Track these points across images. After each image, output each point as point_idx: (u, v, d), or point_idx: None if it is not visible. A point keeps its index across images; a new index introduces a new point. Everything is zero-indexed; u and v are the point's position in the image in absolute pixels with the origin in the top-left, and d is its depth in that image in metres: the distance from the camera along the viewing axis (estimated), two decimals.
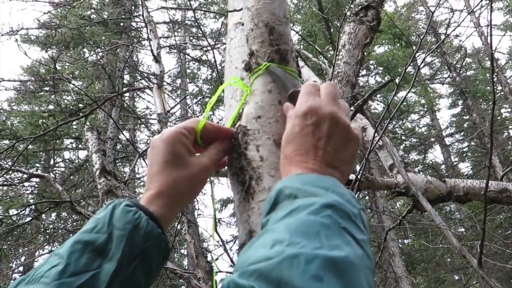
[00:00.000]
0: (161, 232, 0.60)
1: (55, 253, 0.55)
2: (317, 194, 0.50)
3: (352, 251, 0.42)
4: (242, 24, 0.87)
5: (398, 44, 10.06)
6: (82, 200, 6.74)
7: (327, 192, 0.50)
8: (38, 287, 0.51)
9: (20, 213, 6.65)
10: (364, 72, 11.44)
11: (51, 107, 8.56)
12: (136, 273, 0.56)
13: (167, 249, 0.62)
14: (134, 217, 0.58)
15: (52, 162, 10.68)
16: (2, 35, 7.83)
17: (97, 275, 0.53)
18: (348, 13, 3.05)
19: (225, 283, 0.40)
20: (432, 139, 13.31)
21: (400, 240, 11.24)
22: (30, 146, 6.23)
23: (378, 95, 10.86)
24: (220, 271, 2.67)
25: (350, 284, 0.38)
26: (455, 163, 13.16)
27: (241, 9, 0.88)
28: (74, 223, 7.68)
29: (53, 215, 9.46)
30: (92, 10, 9.35)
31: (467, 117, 12.83)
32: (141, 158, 4.36)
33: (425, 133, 14.07)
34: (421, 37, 2.23)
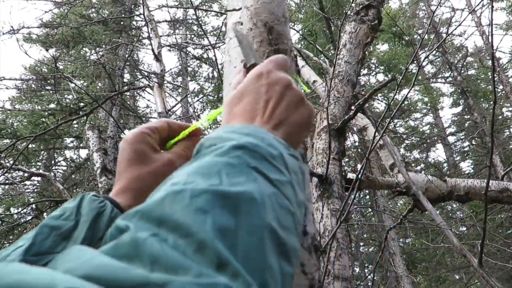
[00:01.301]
0: None
1: (22, 237, 0.57)
2: (233, 139, 0.43)
3: (256, 188, 0.36)
4: (241, 24, 0.86)
5: (398, 43, 10.05)
6: None
7: (245, 136, 0.43)
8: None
9: (21, 212, 6.67)
10: (365, 71, 11.44)
11: (52, 105, 8.56)
12: None
13: None
14: (100, 205, 0.60)
15: (52, 161, 10.70)
16: (4, 34, 7.84)
17: None
18: (349, 12, 3.04)
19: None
20: (434, 138, 13.30)
21: (401, 240, 11.24)
22: (30, 145, 6.24)
23: (379, 94, 10.85)
24: None
25: (246, 219, 0.33)
26: (456, 162, 13.15)
27: (240, 8, 0.88)
28: None
29: None
30: (92, 9, 9.35)
31: (468, 116, 12.82)
32: None
33: (427, 131, 14.06)
34: (422, 36, 2.23)
